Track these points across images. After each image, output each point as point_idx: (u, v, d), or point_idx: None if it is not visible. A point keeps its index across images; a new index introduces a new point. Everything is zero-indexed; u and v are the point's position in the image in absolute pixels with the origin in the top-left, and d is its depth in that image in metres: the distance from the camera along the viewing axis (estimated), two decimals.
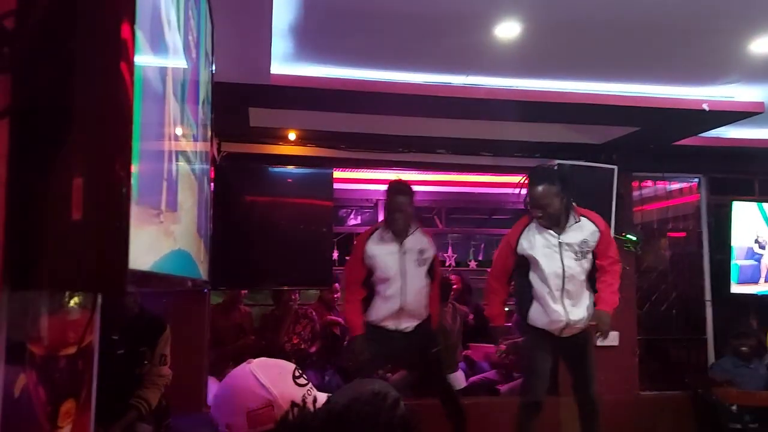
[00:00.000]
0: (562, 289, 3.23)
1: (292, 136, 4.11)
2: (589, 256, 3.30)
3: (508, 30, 2.77)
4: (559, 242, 3.26)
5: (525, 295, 3.35)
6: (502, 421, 3.81)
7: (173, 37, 1.04)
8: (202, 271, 1.59)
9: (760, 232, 4.71)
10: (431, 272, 3.56)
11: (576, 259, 3.25)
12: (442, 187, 5.84)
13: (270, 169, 4.24)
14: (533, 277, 3.30)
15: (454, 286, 5.60)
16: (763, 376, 4.33)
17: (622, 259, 4.42)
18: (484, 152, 4.46)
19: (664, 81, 3.44)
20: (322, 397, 1.32)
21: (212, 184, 3.82)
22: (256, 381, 1.30)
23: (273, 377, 1.32)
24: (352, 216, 6.48)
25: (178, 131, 1.11)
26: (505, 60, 3.10)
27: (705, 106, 3.51)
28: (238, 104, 3.52)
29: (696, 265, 4.84)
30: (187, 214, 1.27)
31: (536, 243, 3.28)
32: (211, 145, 2.29)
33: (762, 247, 4.71)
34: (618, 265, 3.38)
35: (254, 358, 1.46)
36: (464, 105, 3.50)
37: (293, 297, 5.12)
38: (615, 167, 4.28)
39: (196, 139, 1.41)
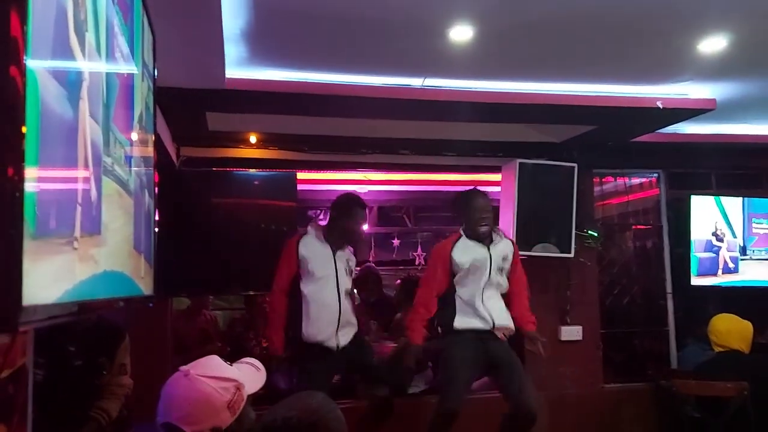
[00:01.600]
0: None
1: (253, 139, 4.08)
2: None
3: (461, 33, 2.79)
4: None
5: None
6: (469, 418, 3.84)
7: (89, 57, 1.02)
8: (144, 287, 1.57)
9: (718, 225, 4.82)
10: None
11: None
12: (409, 186, 5.87)
13: (232, 172, 4.21)
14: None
15: None
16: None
17: (584, 254, 4.53)
18: (447, 152, 4.48)
19: (619, 80, 3.49)
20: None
21: (171, 190, 3.79)
22: (214, 378, 1.41)
23: (220, 368, 1.48)
24: (321, 216, 6.46)
25: (100, 152, 1.09)
26: (462, 63, 3.12)
27: (659, 104, 3.58)
28: (195, 109, 3.49)
29: (657, 258, 4.94)
30: (118, 233, 1.26)
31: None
32: (156, 150, 2.26)
33: (720, 240, 4.82)
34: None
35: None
36: (423, 107, 3.51)
37: (266, 300, 5.09)
38: (575, 165, 4.34)
39: (129, 156, 1.40)
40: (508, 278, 3.55)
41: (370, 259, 6.08)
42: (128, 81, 1.42)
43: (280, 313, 3.42)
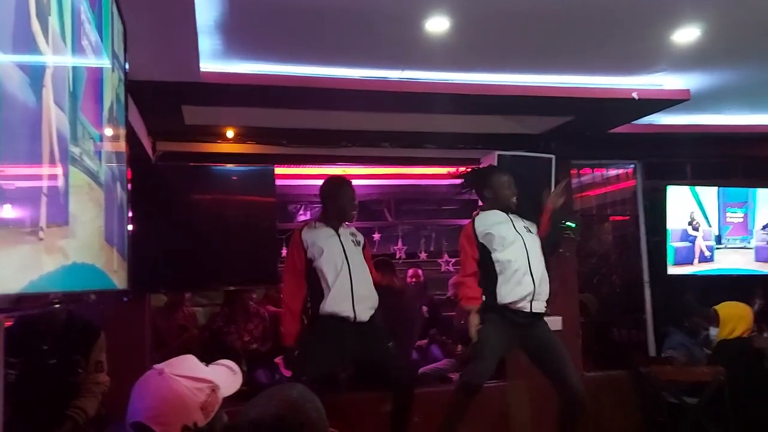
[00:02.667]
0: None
1: (230, 133, 4.04)
2: None
3: (437, 25, 2.78)
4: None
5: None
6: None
7: (53, 43, 1.00)
8: (117, 281, 1.55)
9: (694, 215, 4.89)
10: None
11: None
12: (390, 180, 5.86)
13: (209, 167, 4.16)
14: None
15: (414, 281, 5.66)
16: (707, 354, 4.51)
17: (563, 245, 4.56)
18: (427, 145, 4.48)
19: (595, 72, 3.52)
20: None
21: (147, 185, 3.74)
22: (188, 378, 1.37)
23: (196, 368, 1.43)
24: (301, 211, 6.43)
25: (67, 142, 1.07)
26: (438, 54, 3.11)
27: (634, 95, 3.61)
28: (170, 103, 3.44)
29: (634, 248, 5.00)
30: (88, 225, 1.23)
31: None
32: (130, 144, 2.22)
33: (695, 229, 4.89)
34: None
35: (200, 352, 1.59)
36: (401, 99, 3.51)
37: (252, 296, 5.07)
38: (553, 156, 4.37)
39: (99, 147, 1.37)
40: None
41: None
42: (97, 71, 1.40)
43: (294, 306, 3.41)
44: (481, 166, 4.03)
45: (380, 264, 4.86)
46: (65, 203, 1.04)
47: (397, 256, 6.31)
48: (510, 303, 3.37)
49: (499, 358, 3.52)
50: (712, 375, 3.93)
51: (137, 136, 3.38)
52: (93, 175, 1.28)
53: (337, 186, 3.59)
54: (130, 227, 1.89)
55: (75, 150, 1.12)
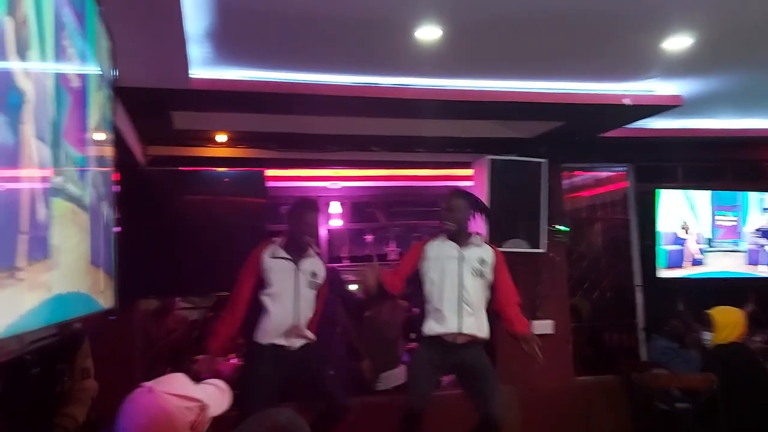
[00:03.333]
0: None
1: (220, 138, 4.02)
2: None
3: (428, 33, 2.77)
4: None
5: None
6: (443, 414, 3.87)
7: (34, 76, 0.98)
8: (103, 301, 1.53)
9: (685, 218, 4.90)
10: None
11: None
12: (382, 182, 5.84)
13: (199, 171, 4.14)
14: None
15: None
16: (696, 359, 4.52)
17: (554, 249, 4.57)
18: (418, 149, 4.48)
19: (587, 78, 3.52)
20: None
21: (137, 190, 3.71)
22: (177, 397, 1.34)
23: (186, 386, 1.40)
24: None
25: (49, 173, 1.05)
26: (430, 61, 3.10)
27: (627, 101, 3.61)
28: (160, 109, 3.43)
29: (625, 251, 5.01)
30: (72, 252, 1.22)
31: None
32: (118, 151, 2.20)
33: (687, 232, 4.90)
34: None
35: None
36: (392, 105, 3.49)
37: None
38: (544, 161, 4.37)
39: (83, 170, 1.35)
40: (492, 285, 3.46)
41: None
42: (81, 93, 1.38)
43: (229, 325, 3.32)
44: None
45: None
46: (46, 236, 1.03)
47: (389, 258, 6.31)
48: (434, 335, 3.34)
49: (433, 385, 3.47)
50: (705, 382, 3.93)
51: (126, 141, 3.35)
52: (76, 201, 1.26)
53: (299, 209, 3.42)
54: (118, 230, 1.85)
55: (57, 180, 1.10)
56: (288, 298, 3.31)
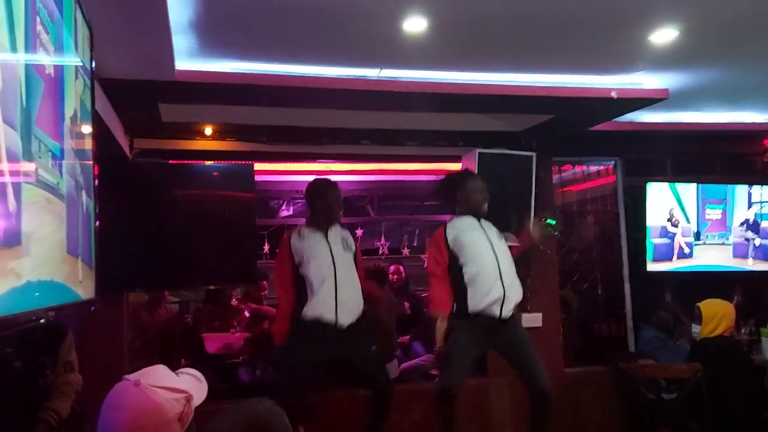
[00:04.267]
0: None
1: (208, 130, 4.00)
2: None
3: (415, 25, 2.76)
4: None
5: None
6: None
7: (2, 63, 0.97)
8: (83, 291, 1.53)
9: (673, 211, 4.92)
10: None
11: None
12: (372, 175, 5.84)
13: (187, 164, 4.12)
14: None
15: (396, 277, 5.66)
16: (685, 349, 4.56)
17: (542, 242, 4.57)
18: (407, 142, 4.47)
19: (575, 71, 3.52)
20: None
21: (124, 183, 3.70)
22: (164, 389, 1.34)
23: (169, 378, 1.40)
24: (284, 207, 6.41)
25: (19, 159, 1.04)
26: (417, 53, 3.09)
27: (613, 94, 3.62)
28: (147, 101, 3.41)
29: (614, 244, 5.03)
30: (46, 240, 1.21)
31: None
32: (97, 142, 2.19)
33: (675, 226, 4.92)
34: None
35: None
36: (380, 98, 3.49)
37: (232, 293, 5.08)
38: (534, 154, 4.37)
39: (59, 159, 1.35)
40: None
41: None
42: (56, 81, 1.37)
43: (286, 308, 3.46)
44: (456, 172, 3.99)
45: (373, 273, 4.87)
46: (17, 224, 1.02)
47: (380, 252, 6.32)
48: (479, 311, 3.39)
49: (471, 363, 3.54)
50: (690, 372, 3.98)
51: (113, 133, 3.34)
52: (51, 189, 1.26)
53: (323, 188, 3.58)
54: (97, 225, 1.84)
55: (29, 166, 1.10)
56: (328, 270, 3.38)
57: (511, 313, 3.46)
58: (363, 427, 3.53)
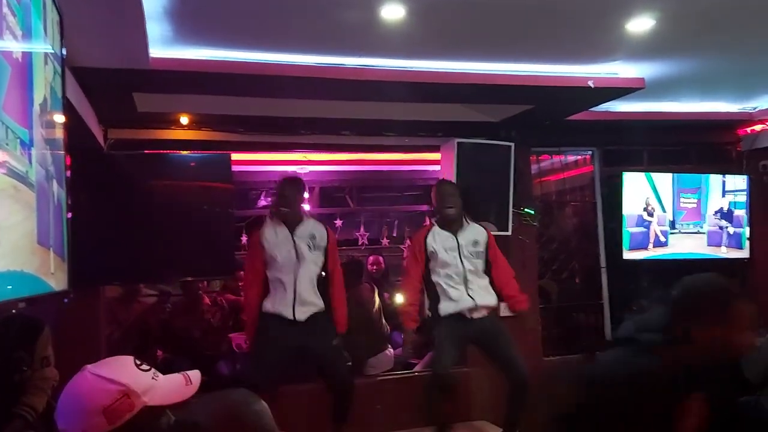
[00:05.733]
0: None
1: (184, 120, 3.94)
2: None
3: (392, 12, 2.74)
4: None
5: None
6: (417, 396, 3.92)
7: None
8: (55, 283, 1.49)
9: (649, 201, 4.98)
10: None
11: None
12: (351, 166, 5.82)
13: (163, 154, 4.06)
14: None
15: (375, 268, 5.65)
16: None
17: (523, 232, 4.61)
18: (387, 132, 4.45)
19: (552, 60, 3.52)
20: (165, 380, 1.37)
21: (98, 174, 3.64)
22: (100, 378, 1.29)
23: (116, 370, 1.33)
24: (261, 198, 6.36)
25: None
26: (395, 42, 3.07)
27: (590, 83, 3.64)
28: (120, 90, 3.34)
29: (592, 233, 5.07)
30: (14, 230, 1.18)
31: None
32: (68, 132, 2.14)
33: (650, 215, 4.98)
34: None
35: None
36: (358, 87, 3.46)
37: (200, 285, 5.03)
38: (512, 144, 4.39)
39: (29, 147, 1.31)
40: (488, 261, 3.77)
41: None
42: (24, 66, 1.33)
43: (251, 300, 3.58)
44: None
45: (348, 268, 4.85)
46: None
47: (360, 243, 6.30)
48: (452, 314, 3.61)
49: (458, 349, 3.71)
50: None
51: (86, 123, 3.27)
52: (20, 177, 1.22)
53: (282, 185, 3.68)
54: (70, 216, 1.79)
55: None
56: (290, 267, 3.50)
57: (483, 315, 3.65)
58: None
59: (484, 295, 3.66)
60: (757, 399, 3.81)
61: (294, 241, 3.54)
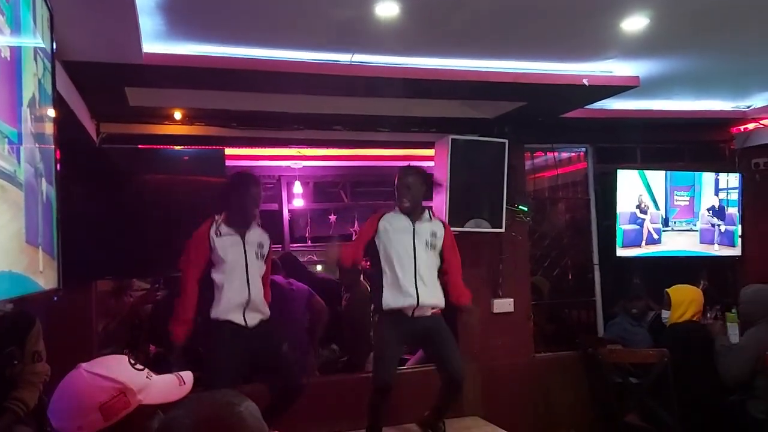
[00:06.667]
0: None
1: (177, 115, 3.92)
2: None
3: (387, 9, 2.73)
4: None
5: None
6: (409, 392, 3.93)
7: None
8: (43, 282, 1.49)
9: (642, 198, 4.99)
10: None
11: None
12: (345, 161, 5.81)
13: (156, 149, 4.04)
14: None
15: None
16: (648, 334, 4.65)
17: (516, 228, 4.62)
18: (380, 128, 4.44)
19: (547, 58, 3.52)
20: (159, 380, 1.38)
21: (90, 168, 3.62)
22: (96, 376, 1.29)
23: (112, 368, 1.34)
24: None
25: None
26: (390, 38, 3.06)
27: (585, 82, 3.64)
28: (113, 85, 3.32)
29: (585, 231, 5.09)
30: (4, 230, 1.17)
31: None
32: (58, 126, 2.11)
33: (643, 212, 5.00)
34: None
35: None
36: (352, 83, 3.45)
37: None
38: (506, 140, 4.39)
39: (17, 145, 1.30)
40: (441, 257, 3.65)
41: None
42: (11, 64, 1.31)
43: (191, 307, 3.31)
44: None
45: (283, 261, 4.86)
46: None
47: (354, 238, 6.30)
48: (393, 309, 3.50)
49: (399, 354, 3.69)
50: (657, 357, 4.06)
51: (78, 118, 3.25)
52: (8, 177, 1.21)
53: (241, 183, 3.42)
54: (60, 212, 1.78)
55: None
56: (240, 273, 3.34)
57: (426, 314, 3.55)
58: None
59: (431, 293, 3.52)
60: (742, 400, 3.87)
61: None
